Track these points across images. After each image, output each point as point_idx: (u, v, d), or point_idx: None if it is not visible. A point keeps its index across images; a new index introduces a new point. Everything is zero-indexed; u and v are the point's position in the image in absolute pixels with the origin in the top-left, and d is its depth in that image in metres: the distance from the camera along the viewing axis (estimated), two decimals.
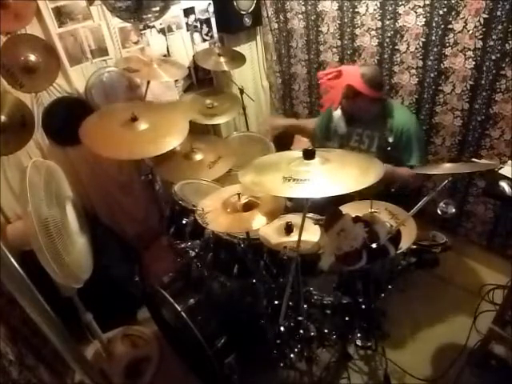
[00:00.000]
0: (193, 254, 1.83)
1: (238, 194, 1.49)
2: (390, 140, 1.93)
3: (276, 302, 1.64)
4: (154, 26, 2.31)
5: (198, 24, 2.53)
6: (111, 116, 1.87)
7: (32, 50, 1.86)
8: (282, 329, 1.55)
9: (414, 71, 2.15)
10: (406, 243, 1.45)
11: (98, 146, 1.73)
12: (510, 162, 1.59)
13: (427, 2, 1.92)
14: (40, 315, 0.87)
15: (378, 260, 1.25)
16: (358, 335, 1.79)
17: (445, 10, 1.87)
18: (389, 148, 1.93)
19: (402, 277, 1.87)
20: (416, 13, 1.98)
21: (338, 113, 2.12)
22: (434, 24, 1.94)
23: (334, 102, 1.93)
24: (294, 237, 1.55)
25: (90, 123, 1.78)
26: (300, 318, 1.55)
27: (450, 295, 2.08)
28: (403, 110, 2.04)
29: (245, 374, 1.64)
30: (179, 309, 1.54)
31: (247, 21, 2.56)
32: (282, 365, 1.72)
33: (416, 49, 2.08)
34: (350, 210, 1.37)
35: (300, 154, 1.22)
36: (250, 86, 2.94)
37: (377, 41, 2.24)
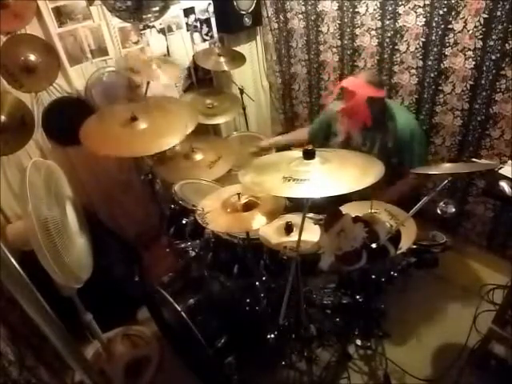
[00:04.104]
0: (193, 253, 1.83)
1: (238, 194, 1.49)
2: (390, 144, 1.93)
3: (276, 302, 1.64)
4: (153, 26, 2.31)
5: (198, 24, 2.53)
6: (111, 117, 1.87)
7: (32, 49, 1.86)
8: (281, 329, 1.55)
9: (414, 71, 2.15)
10: (405, 243, 1.45)
11: (99, 148, 1.73)
12: (510, 161, 1.59)
13: (427, 2, 1.92)
14: (40, 315, 0.87)
15: (377, 260, 1.25)
16: (358, 335, 1.80)
17: (445, 9, 1.87)
18: (390, 149, 1.93)
19: (402, 277, 1.87)
20: (416, 13, 1.98)
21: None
22: (434, 24, 1.94)
23: (367, 122, 1.86)
24: (294, 237, 1.55)
25: (89, 126, 1.77)
26: (300, 318, 1.55)
27: (450, 295, 2.08)
28: (404, 112, 2.03)
29: (245, 374, 1.64)
30: (179, 309, 1.54)
31: (247, 21, 2.56)
32: (282, 365, 1.72)
33: (416, 49, 2.08)
34: (349, 209, 1.37)
35: (300, 153, 1.22)
36: (250, 86, 2.94)
37: (377, 41, 2.24)
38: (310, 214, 1.66)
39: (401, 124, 1.92)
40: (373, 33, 2.23)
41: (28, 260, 1.17)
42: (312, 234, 1.59)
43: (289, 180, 1.13)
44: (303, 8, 2.52)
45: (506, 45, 1.75)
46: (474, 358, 1.71)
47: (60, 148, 2.13)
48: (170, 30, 2.40)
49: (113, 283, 2.05)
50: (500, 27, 1.73)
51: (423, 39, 2.02)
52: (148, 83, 2.14)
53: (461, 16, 1.83)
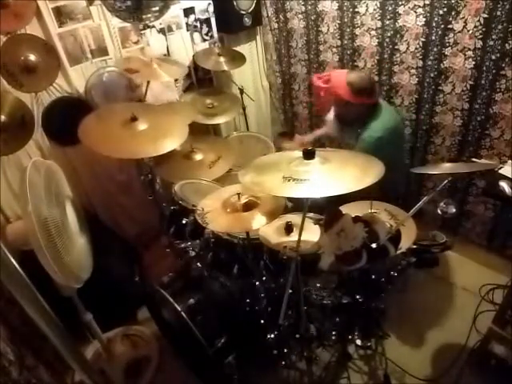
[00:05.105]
0: (193, 253, 1.83)
1: (238, 194, 1.49)
2: (357, 149, 1.88)
3: (276, 302, 1.64)
4: (153, 26, 2.31)
5: (198, 24, 2.53)
6: (110, 116, 1.86)
7: (32, 49, 1.86)
8: (281, 329, 1.54)
9: (413, 71, 2.15)
10: (405, 243, 1.44)
11: (98, 145, 1.71)
12: (510, 161, 1.59)
13: (427, 2, 1.92)
14: (40, 315, 0.87)
15: (377, 260, 1.25)
16: (358, 335, 1.80)
17: (445, 9, 1.87)
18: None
19: (402, 277, 1.87)
20: (416, 13, 1.98)
21: (330, 116, 2.16)
22: (434, 24, 1.94)
23: (324, 107, 1.98)
24: (294, 237, 1.55)
25: (88, 123, 1.77)
26: (300, 318, 1.55)
27: (450, 295, 2.08)
28: (383, 123, 1.89)
29: (245, 374, 1.64)
30: (179, 309, 1.54)
31: (247, 21, 2.56)
32: (282, 365, 1.72)
33: (416, 49, 2.08)
34: (349, 210, 1.37)
35: (300, 153, 1.22)
36: (250, 86, 2.94)
37: (377, 41, 2.24)
38: (310, 214, 1.66)
39: (369, 134, 1.87)
40: (373, 33, 2.23)
41: (28, 260, 1.17)
42: (312, 233, 1.59)
43: (289, 180, 1.13)
44: (303, 8, 2.52)
45: (506, 45, 1.75)
46: (474, 357, 1.71)
47: (60, 148, 2.13)
48: (169, 29, 2.40)
49: (113, 283, 2.04)
50: (500, 27, 1.73)
51: (423, 39, 2.02)
52: (148, 83, 2.14)
53: (461, 16, 1.83)
